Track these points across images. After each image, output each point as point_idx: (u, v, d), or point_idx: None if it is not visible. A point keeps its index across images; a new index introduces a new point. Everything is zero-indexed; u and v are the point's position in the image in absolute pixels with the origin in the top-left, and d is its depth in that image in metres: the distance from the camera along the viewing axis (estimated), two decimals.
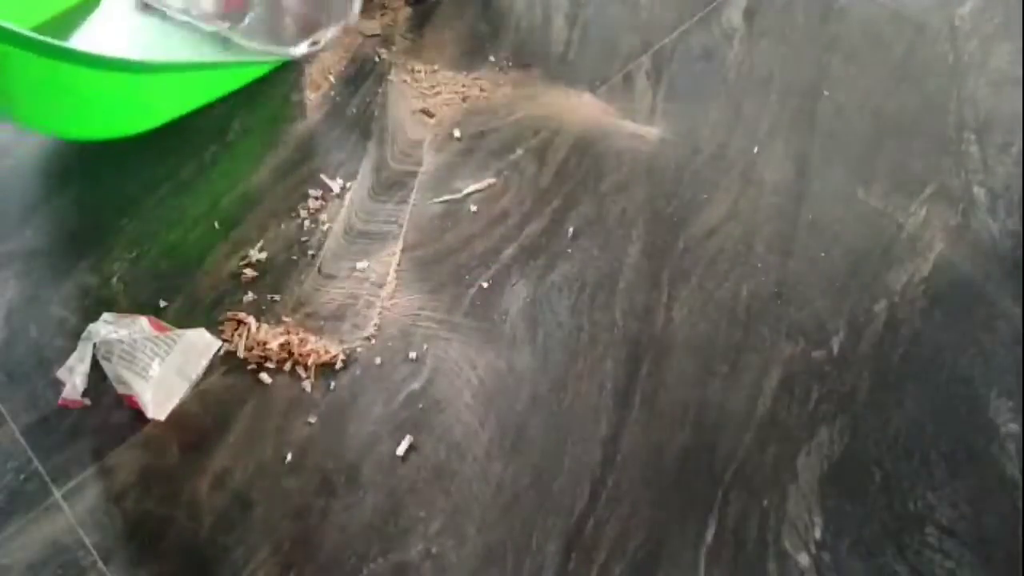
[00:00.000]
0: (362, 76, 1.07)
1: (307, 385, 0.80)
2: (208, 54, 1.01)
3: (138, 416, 0.75)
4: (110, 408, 0.77)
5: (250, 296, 0.85)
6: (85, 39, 0.99)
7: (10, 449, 0.75)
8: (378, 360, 0.83)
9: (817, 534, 0.78)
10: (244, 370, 0.81)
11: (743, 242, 0.95)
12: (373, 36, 1.10)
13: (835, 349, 0.89)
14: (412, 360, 0.83)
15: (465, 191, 0.95)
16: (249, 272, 0.86)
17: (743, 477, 0.80)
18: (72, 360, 0.75)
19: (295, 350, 0.81)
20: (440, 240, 0.91)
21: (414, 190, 0.95)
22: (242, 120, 1.00)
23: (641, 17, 1.11)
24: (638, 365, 0.85)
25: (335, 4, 1.03)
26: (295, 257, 0.88)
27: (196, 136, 0.98)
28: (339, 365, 0.82)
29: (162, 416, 0.75)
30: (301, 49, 1.01)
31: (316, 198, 0.93)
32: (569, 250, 0.92)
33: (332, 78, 1.06)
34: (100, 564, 0.70)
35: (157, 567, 0.70)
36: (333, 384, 0.81)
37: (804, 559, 0.76)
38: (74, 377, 0.74)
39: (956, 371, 0.88)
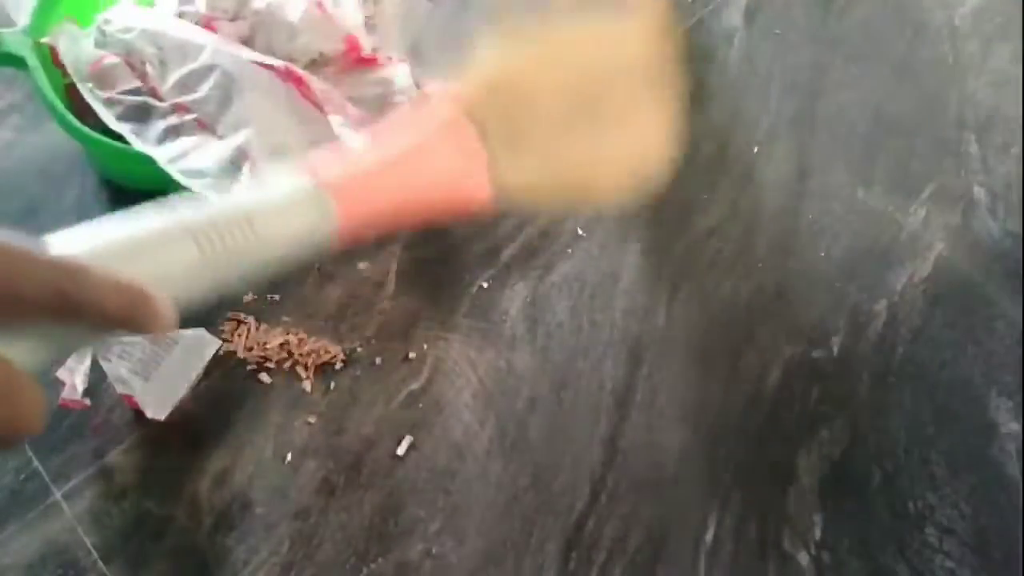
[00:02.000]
0: None
1: (307, 385, 0.80)
2: None
3: (138, 416, 0.75)
4: (110, 408, 0.77)
5: (250, 296, 0.85)
6: None
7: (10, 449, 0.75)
8: (378, 360, 0.83)
9: (817, 534, 0.78)
10: (244, 370, 0.81)
11: (743, 242, 0.94)
12: None
13: (835, 349, 0.89)
14: (412, 360, 0.83)
15: None
16: None
17: (743, 477, 0.80)
18: (72, 360, 0.75)
19: (295, 350, 0.81)
20: (440, 240, 0.91)
21: None
22: None
23: None
24: (638, 365, 0.85)
25: None
26: None
27: None
28: (339, 365, 0.82)
29: (162, 416, 0.75)
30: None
31: None
32: (569, 250, 0.92)
33: None
34: (100, 564, 0.70)
35: (157, 567, 0.70)
36: (333, 384, 0.81)
37: (804, 559, 0.76)
38: (74, 377, 0.74)
39: (956, 371, 0.88)
